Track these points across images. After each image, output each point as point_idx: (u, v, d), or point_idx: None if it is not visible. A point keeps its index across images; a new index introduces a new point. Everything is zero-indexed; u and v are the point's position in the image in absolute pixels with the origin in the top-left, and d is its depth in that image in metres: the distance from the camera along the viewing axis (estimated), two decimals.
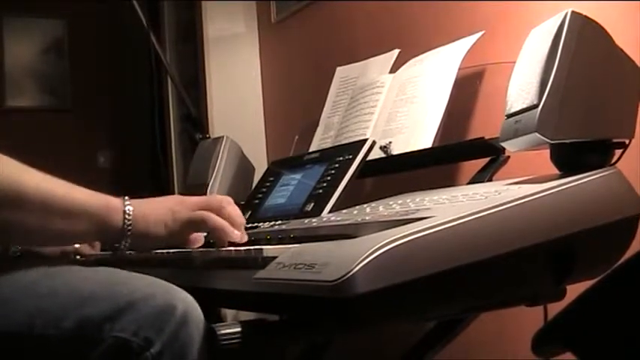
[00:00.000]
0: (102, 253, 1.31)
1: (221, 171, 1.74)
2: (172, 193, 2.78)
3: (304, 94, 2.24)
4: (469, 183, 1.22)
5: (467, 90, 1.45)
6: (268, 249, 0.86)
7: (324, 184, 1.27)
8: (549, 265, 0.87)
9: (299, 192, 1.33)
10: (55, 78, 4.25)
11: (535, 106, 0.94)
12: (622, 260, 0.91)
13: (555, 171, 1.01)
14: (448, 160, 1.46)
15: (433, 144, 1.33)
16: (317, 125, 1.75)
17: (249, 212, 1.40)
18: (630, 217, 0.93)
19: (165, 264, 1.08)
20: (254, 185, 1.59)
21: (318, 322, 0.82)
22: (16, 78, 4.15)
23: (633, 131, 0.98)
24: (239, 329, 0.83)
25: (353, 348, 1.65)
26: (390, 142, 1.42)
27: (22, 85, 4.19)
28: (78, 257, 1.32)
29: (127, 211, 0.95)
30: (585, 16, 0.96)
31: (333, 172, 1.29)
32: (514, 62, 1.04)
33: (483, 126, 1.40)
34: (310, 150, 1.68)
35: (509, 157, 1.21)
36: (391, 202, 1.11)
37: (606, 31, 0.97)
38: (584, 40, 0.95)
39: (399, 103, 1.47)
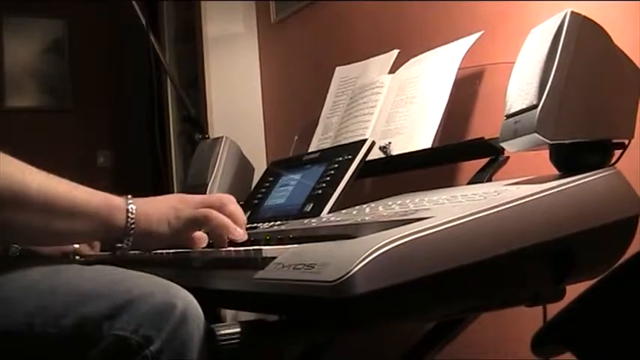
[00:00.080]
0: (101, 253, 1.31)
1: (220, 171, 1.74)
2: (172, 193, 2.78)
3: (304, 94, 2.24)
4: (469, 183, 1.22)
5: (466, 90, 1.45)
6: (268, 249, 0.86)
7: (324, 185, 1.27)
8: (549, 265, 0.87)
9: (298, 192, 1.33)
10: (55, 78, 4.25)
11: (534, 107, 0.94)
12: (622, 260, 0.91)
13: (555, 171, 1.01)
14: (448, 161, 1.46)
15: (433, 144, 1.33)
16: (316, 125, 1.75)
17: (249, 212, 1.40)
18: (630, 217, 0.93)
19: (165, 264, 1.08)
20: (253, 185, 1.59)
21: (317, 322, 0.82)
22: (16, 78, 4.15)
23: (633, 131, 0.98)
24: (239, 329, 0.83)
25: (353, 348, 1.65)
26: (390, 143, 1.42)
27: (22, 85, 4.19)
28: (77, 257, 1.32)
29: (130, 210, 0.95)
30: (585, 17, 0.96)
31: (332, 172, 1.28)
32: (513, 62, 1.04)
33: (483, 126, 1.40)
34: (310, 150, 1.68)
35: (508, 157, 1.21)
36: (391, 203, 1.11)
37: (606, 32, 0.97)
38: (583, 40, 0.95)
39: (399, 103, 1.47)
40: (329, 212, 1.20)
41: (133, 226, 0.94)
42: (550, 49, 0.95)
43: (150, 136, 3.48)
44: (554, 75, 0.93)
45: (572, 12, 0.96)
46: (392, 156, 1.40)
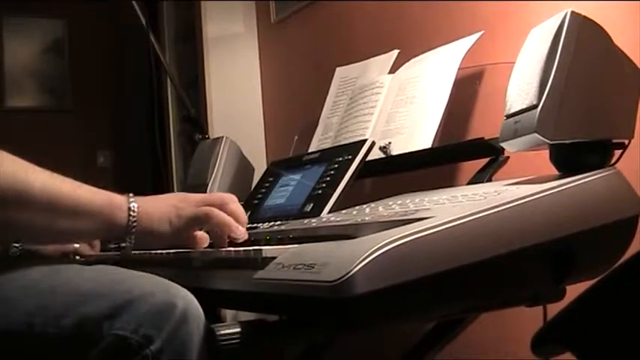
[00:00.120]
0: (102, 253, 1.31)
1: (220, 171, 1.74)
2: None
3: (304, 94, 2.24)
4: (469, 183, 1.22)
5: (466, 90, 1.45)
6: (268, 249, 0.86)
7: (324, 185, 1.27)
8: (549, 265, 0.87)
9: (298, 192, 1.33)
10: (55, 78, 4.25)
11: (534, 107, 0.94)
12: (622, 260, 0.91)
13: (555, 171, 1.01)
14: (448, 161, 1.46)
15: (433, 144, 1.33)
16: (316, 125, 1.75)
17: (249, 212, 1.40)
18: (630, 217, 0.93)
19: (165, 264, 1.08)
20: (253, 185, 1.59)
21: (317, 322, 0.82)
22: (16, 78, 4.15)
23: (633, 131, 0.98)
24: (239, 329, 0.84)
25: (353, 348, 1.65)
26: (390, 143, 1.42)
27: (22, 85, 4.19)
28: (77, 257, 1.32)
29: (132, 208, 0.95)
30: (585, 17, 0.96)
31: (332, 172, 1.28)
32: (513, 62, 1.04)
33: (483, 126, 1.40)
34: (310, 150, 1.68)
35: (508, 157, 1.21)
36: (391, 203, 1.11)
37: (605, 31, 0.97)
38: (583, 40, 0.95)
39: (399, 103, 1.47)
40: (329, 212, 1.20)
41: (134, 224, 0.94)
42: (550, 49, 0.95)
43: (150, 136, 3.48)
44: (554, 75, 0.93)
45: (572, 12, 0.96)
46: (392, 156, 1.40)
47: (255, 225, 1.28)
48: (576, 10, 0.96)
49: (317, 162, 1.37)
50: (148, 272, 0.89)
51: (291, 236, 0.99)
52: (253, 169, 1.84)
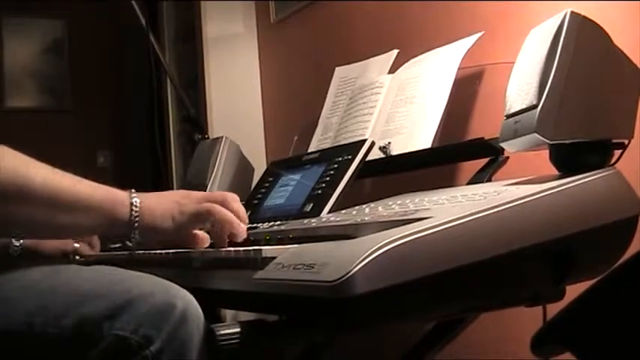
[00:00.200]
0: (102, 253, 1.31)
1: (220, 171, 1.74)
2: None
3: (303, 94, 2.24)
4: (468, 183, 1.22)
5: (466, 90, 1.45)
6: (267, 249, 0.86)
7: (323, 185, 1.27)
8: (549, 265, 0.87)
9: (298, 192, 1.33)
10: (55, 78, 4.25)
11: (534, 107, 0.94)
12: (622, 260, 0.91)
13: (555, 171, 1.01)
14: (447, 161, 1.46)
15: (432, 144, 1.33)
16: (316, 125, 1.75)
17: (249, 212, 1.40)
18: (630, 217, 0.93)
19: (165, 264, 1.08)
20: (253, 185, 1.59)
21: (317, 322, 0.82)
22: (15, 78, 4.15)
23: (632, 131, 0.98)
24: (238, 329, 0.84)
25: (353, 348, 1.65)
26: (390, 143, 1.41)
27: (22, 86, 4.19)
28: (77, 257, 1.32)
29: (134, 204, 0.95)
30: (584, 17, 0.96)
31: (332, 172, 1.28)
32: (513, 62, 1.04)
33: (483, 126, 1.40)
34: (309, 150, 1.68)
35: (508, 157, 1.21)
36: (390, 203, 1.11)
37: (605, 32, 0.97)
38: (583, 40, 0.95)
39: (399, 103, 1.47)
40: (329, 212, 1.20)
41: (137, 219, 0.94)
42: (550, 49, 0.95)
43: (150, 136, 3.48)
44: (554, 75, 0.93)
45: (572, 12, 0.96)
46: (392, 156, 1.40)
47: (255, 225, 1.28)
48: (576, 10, 0.96)
49: (317, 162, 1.37)
50: (148, 272, 0.89)
51: (290, 236, 0.99)
52: (253, 169, 1.84)
